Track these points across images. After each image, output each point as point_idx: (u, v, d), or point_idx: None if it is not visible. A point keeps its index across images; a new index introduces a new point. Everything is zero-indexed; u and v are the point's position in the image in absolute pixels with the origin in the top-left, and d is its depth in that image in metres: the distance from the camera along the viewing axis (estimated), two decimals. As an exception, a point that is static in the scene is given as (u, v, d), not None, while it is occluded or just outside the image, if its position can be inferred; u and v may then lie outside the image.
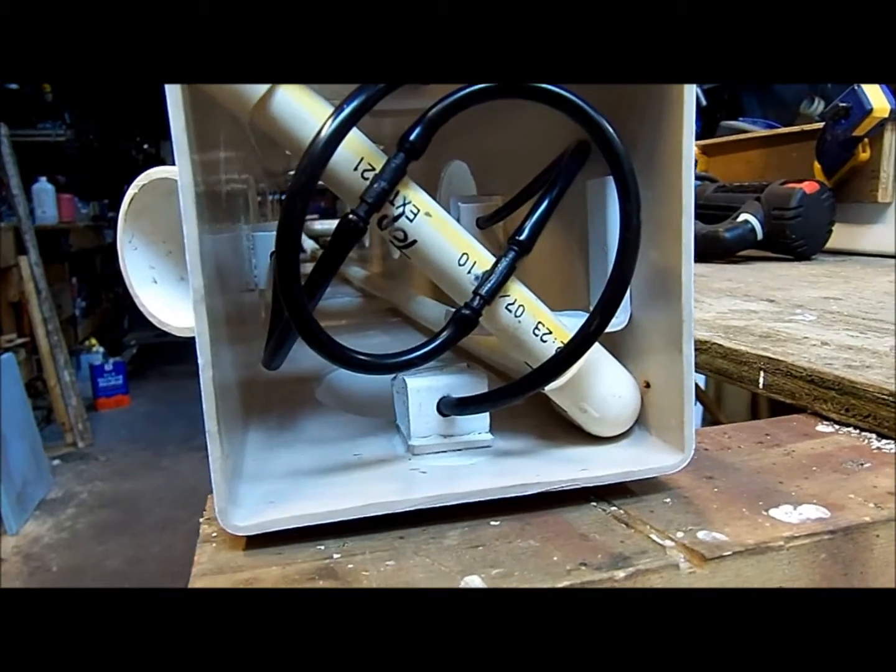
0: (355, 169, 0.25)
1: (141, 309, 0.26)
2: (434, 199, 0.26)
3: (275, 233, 0.23)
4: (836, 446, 0.32)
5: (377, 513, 0.25)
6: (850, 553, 0.24)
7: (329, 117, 0.23)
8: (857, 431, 0.34)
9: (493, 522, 0.26)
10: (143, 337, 4.11)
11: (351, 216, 0.24)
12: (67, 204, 3.43)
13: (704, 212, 0.95)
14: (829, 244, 0.91)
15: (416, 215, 0.26)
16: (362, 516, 0.25)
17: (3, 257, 2.59)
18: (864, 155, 0.95)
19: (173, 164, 0.22)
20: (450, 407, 0.29)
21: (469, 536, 0.25)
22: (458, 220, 0.28)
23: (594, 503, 0.27)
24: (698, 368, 0.31)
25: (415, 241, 0.26)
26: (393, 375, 0.31)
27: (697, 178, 1.02)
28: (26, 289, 2.64)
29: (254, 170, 0.52)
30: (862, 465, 0.30)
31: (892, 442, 0.32)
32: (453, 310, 0.27)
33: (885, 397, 0.33)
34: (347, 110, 0.23)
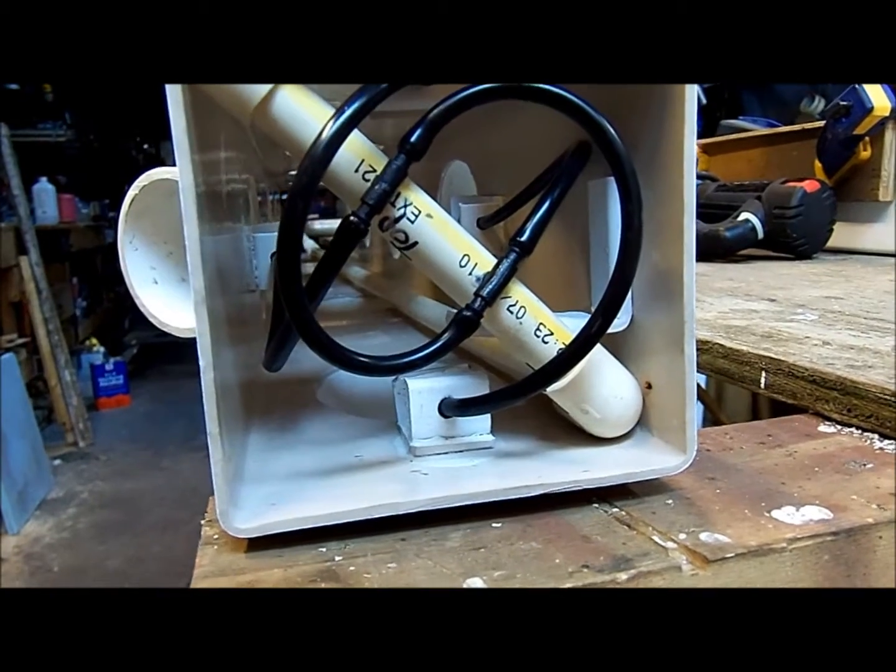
0: (356, 170, 0.25)
1: (142, 310, 0.26)
2: (435, 199, 0.26)
3: (276, 234, 0.23)
4: (839, 447, 0.32)
5: (379, 515, 0.25)
6: (852, 554, 0.24)
7: (330, 119, 0.23)
8: (860, 432, 0.34)
9: (494, 524, 0.26)
10: (144, 336, 4.11)
11: (352, 218, 0.24)
12: (68, 204, 3.44)
13: (705, 211, 0.95)
14: (830, 243, 0.91)
15: (417, 217, 0.26)
16: (364, 518, 0.25)
17: (4, 257, 2.59)
18: (864, 153, 0.95)
19: (174, 164, 0.22)
20: (451, 408, 0.29)
21: (471, 538, 0.25)
22: (458, 221, 0.28)
23: (596, 504, 0.27)
24: (699, 369, 0.31)
25: (416, 243, 0.26)
26: (394, 377, 0.31)
27: (698, 177, 1.01)
28: (27, 289, 2.64)
29: (254, 170, 0.52)
30: (864, 465, 0.30)
31: (895, 442, 0.32)
32: (454, 311, 0.27)
33: (888, 397, 0.33)
34: (349, 112, 0.23)
